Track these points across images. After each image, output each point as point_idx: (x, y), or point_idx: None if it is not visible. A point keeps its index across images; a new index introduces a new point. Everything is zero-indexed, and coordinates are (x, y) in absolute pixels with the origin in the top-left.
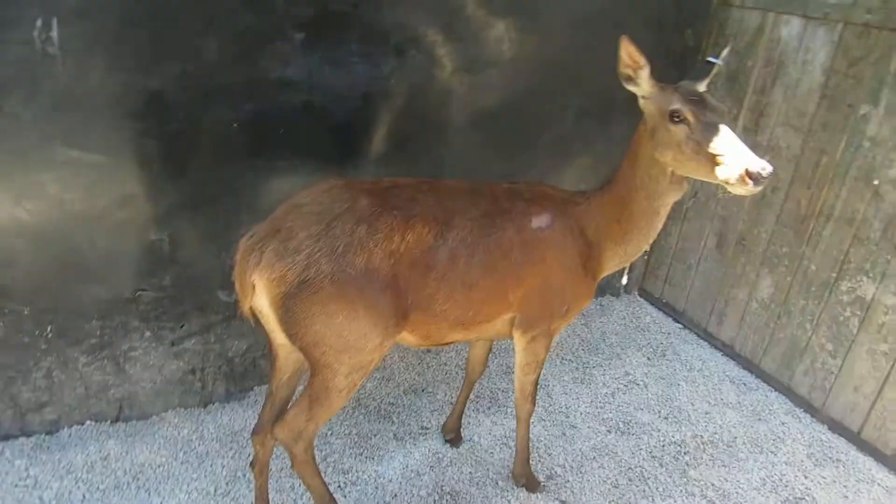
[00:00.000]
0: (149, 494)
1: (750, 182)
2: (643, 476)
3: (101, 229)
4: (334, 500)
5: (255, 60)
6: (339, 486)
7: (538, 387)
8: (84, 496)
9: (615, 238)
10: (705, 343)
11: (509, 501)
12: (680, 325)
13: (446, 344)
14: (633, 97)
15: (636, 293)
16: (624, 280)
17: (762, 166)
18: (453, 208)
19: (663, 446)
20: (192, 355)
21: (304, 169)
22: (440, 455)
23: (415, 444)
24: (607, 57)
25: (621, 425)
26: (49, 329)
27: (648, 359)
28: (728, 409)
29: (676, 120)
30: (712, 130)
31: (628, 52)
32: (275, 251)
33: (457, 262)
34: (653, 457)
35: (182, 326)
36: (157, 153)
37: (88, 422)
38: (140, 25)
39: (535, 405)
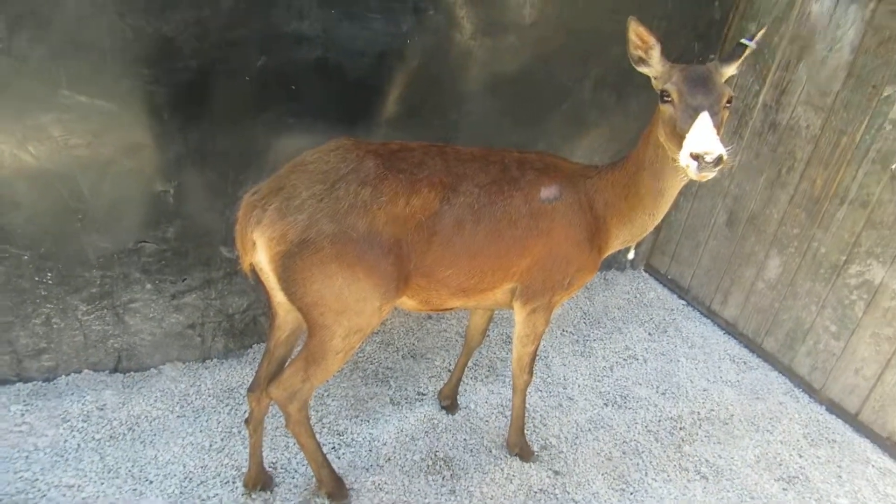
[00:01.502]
0: (144, 446)
1: (693, 164)
2: (637, 450)
3: (106, 177)
4: (328, 460)
5: (270, 12)
6: (334, 448)
7: (536, 358)
8: (79, 445)
9: (621, 215)
10: (708, 321)
11: (503, 470)
12: (684, 302)
13: (446, 310)
14: None
15: (642, 268)
16: (630, 255)
17: (706, 150)
18: (462, 174)
19: (659, 421)
20: (192, 310)
21: (314, 127)
22: (435, 421)
23: (411, 409)
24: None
25: (618, 399)
26: (49, 276)
27: (650, 334)
28: (726, 387)
29: (665, 99)
30: (690, 114)
31: (637, 33)
32: (277, 209)
33: (462, 228)
34: (648, 431)
35: (184, 280)
36: (166, 103)
37: (86, 371)
38: None
39: (532, 376)
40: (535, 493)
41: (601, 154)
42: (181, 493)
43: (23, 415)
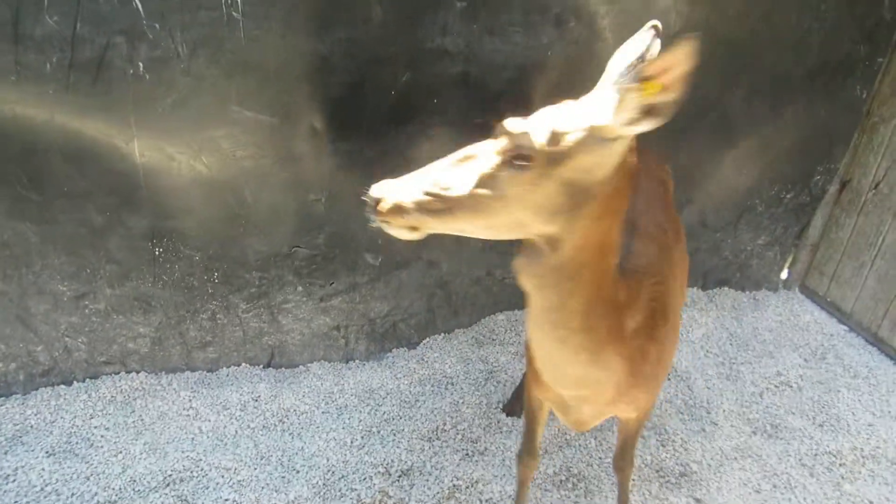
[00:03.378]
0: (292, 438)
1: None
2: (790, 484)
3: (266, 186)
4: None
5: (415, 29)
6: (467, 454)
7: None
8: (236, 431)
9: None
10: (874, 349)
11: (640, 490)
12: (845, 328)
13: None
14: (811, 77)
15: (797, 289)
16: (784, 274)
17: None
18: None
19: (815, 455)
20: (338, 312)
21: (456, 138)
22: (569, 437)
23: (545, 424)
24: (785, 32)
25: (769, 428)
26: (216, 275)
27: (805, 360)
28: None
29: None
30: None
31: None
32: None
33: None
34: (802, 465)
35: (331, 284)
36: (320, 116)
37: (244, 364)
38: None
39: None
40: None
41: (749, 166)
42: (324, 484)
43: (190, 400)
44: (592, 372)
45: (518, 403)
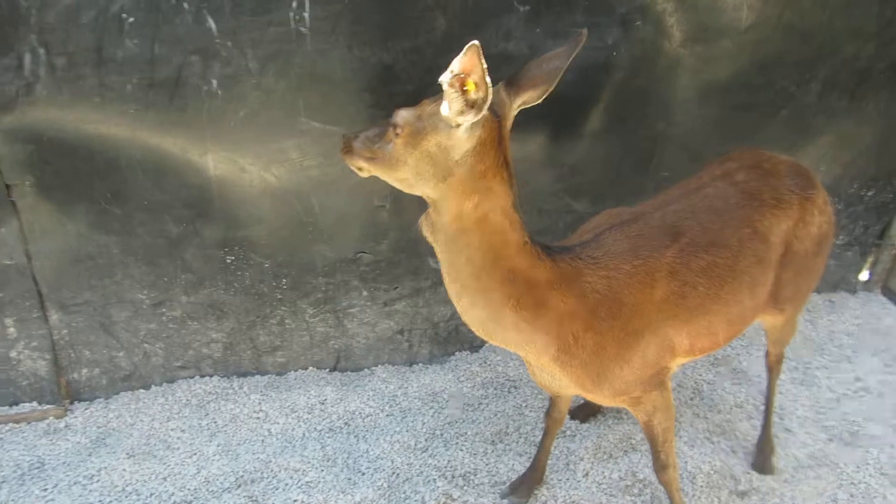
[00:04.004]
0: (357, 440)
1: None
2: (869, 494)
3: (332, 194)
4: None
5: (478, 35)
6: (530, 458)
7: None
8: (304, 434)
9: None
10: None
11: (709, 498)
12: None
13: None
14: (894, 67)
15: (878, 291)
16: (863, 276)
17: None
18: None
19: None
20: (401, 316)
21: (522, 140)
22: (634, 442)
23: (609, 427)
24: (865, 22)
25: (846, 435)
26: (284, 281)
27: (886, 365)
28: None
29: None
30: None
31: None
32: None
33: None
34: (883, 474)
35: (395, 289)
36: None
37: (311, 368)
38: (379, 3)
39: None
40: None
41: (828, 163)
42: (388, 486)
43: (259, 403)
44: (499, 331)
45: (586, 407)
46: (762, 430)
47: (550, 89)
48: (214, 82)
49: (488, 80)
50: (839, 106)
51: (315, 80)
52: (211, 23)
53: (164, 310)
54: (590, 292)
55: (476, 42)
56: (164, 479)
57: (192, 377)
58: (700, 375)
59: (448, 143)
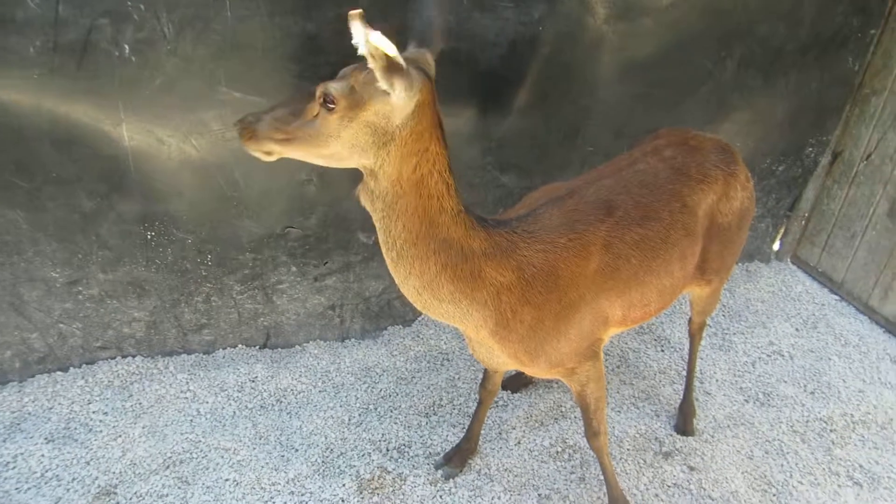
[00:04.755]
0: (290, 417)
1: None
2: (782, 450)
3: (257, 168)
4: None
5: (405, 5)
6: (464, 429)
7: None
8: (234, 412)
9: None
10: (864, 318)
11: (635, 461)
12: (836, 297)
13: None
14: (804, 49)
15: (788, 260)
16: (776, 246)
17: None
18: None
19: (807, 422)
20: (332, 292)
21: (445, 116)
22: (564, 409)
23: (539, 396)
24: (778, 4)
25: (761, 396)
26: (209, 258)
27: (797, 330)
28: (885, 389)
29: None
30: None
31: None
32: None
33: None
34: (794, 431)
35: (325, 264)
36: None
37: (240, 345)
38: None
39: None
40: (669, 487)
41: (744, 138)
42: (323, 462)
43: (187, 383)
44: (435, 303)
45: (517, 378)
46: (684, 394)
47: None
48: (127, 48)
49: (376, 41)
50: (754, 84)
51: (236, 48)
52: None
53: (79, 288)
54: (526, 265)
55: (353, 11)
56: (87, 462)
57: (113, 358)
58: (626, 344)
59: (387, 109)
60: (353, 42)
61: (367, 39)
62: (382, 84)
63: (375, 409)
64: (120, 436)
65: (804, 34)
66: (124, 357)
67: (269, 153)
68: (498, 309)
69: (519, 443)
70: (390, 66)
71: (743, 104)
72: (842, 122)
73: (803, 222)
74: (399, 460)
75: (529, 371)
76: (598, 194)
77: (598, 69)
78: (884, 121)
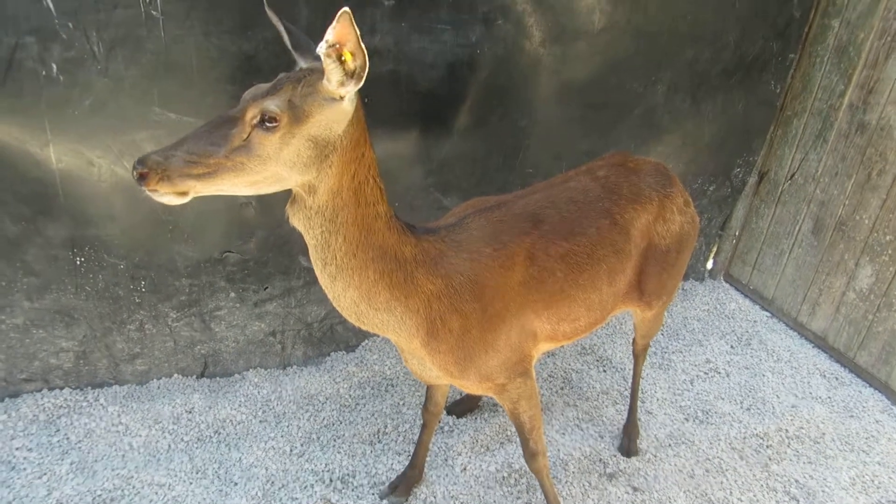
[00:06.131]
0: (229, 449)
1: None
2: (721, 468)
3: None
4: None
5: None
6: (409, 456)
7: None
8: (170, 446)
9: None
10: (794, 333)
11: (581, 485)
12: (768, 314)
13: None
14: (729, 72)
15: (721, 278)
16: (709, 265)
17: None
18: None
19: (744, 438)
20: (273, 318)
21: (388, 137)
22: (510, 433)
23: (486, 421)
24: (702, 28)
25: (700, 414)
26: (143, 284)
27: (732, 347)
28: (817, 404)
29: None
30: None
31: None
32: None
33: None
34: (732, 448)
35: (265, 289)
36: None
37: (176, 375)
38: None
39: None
40: None
41: (675, 159)
42: (263, 495)
43: (119, 416)
44: (371, 313)
45: (463, 403)
46: (628, 415)
47: None
48: (54, 66)
49: (363, 46)
50: (683, 107)
51: (169, 68)
52: (48, 1)
53: (2, 317)
54: (454, 274)
55: (347, 9)
56: (10, 503)
57: (38, 390)
58: (569, 365)
59: (332, 118)
60: (320, 47)
61: (357, 40)
62: (337, 90)
63: (318, 438)
64: (45, 473)
65: (728, 58)
66: (51, 389)
67: (183, 193)
68: (429, 317)
69: (465, 469)
70: (349, 72)
71: (674, 126)
72: (766, 143)
73: (734, 241)
74: (343, 491)
75: (461, 384)
76: (526, 207)
77: (535, 91)
78: (805, 141)
